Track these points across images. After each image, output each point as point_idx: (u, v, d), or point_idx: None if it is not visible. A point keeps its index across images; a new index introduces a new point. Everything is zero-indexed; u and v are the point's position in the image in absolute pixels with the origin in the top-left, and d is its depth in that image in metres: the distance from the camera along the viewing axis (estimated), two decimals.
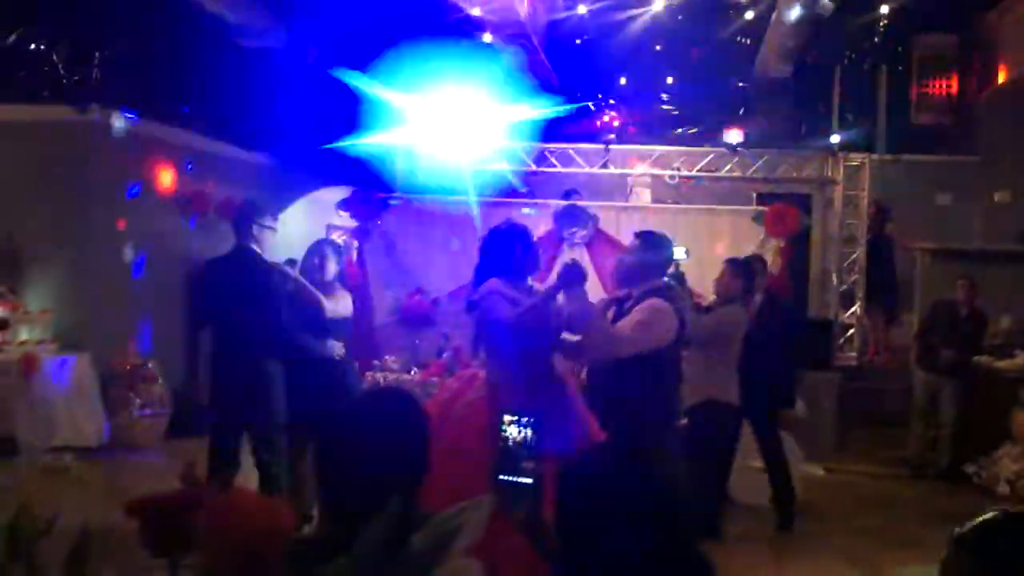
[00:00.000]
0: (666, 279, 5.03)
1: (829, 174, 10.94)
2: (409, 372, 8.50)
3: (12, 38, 9.12)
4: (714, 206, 9.88)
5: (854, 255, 10.67)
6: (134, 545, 1.76)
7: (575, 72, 11.60)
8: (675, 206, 10.08)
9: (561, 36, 11.11)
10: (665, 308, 4.39)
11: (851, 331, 10.59)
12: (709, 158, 10.91)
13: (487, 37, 10.00)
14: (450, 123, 11.08)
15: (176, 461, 8.42)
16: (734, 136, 10.94)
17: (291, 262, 11.33)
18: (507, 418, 2.36)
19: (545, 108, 11.36)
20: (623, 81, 11.86)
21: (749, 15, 10.35)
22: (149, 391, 9.38)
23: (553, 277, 4.49)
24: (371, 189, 9.80)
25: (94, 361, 9.05)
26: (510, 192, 10.85)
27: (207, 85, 10.39)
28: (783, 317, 7.13)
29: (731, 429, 6.70)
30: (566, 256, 8.83)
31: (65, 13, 9.13)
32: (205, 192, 10.63)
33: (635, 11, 10.30)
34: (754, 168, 10.89)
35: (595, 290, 8.31)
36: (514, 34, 9.80)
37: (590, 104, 11.78)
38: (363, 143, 11.59)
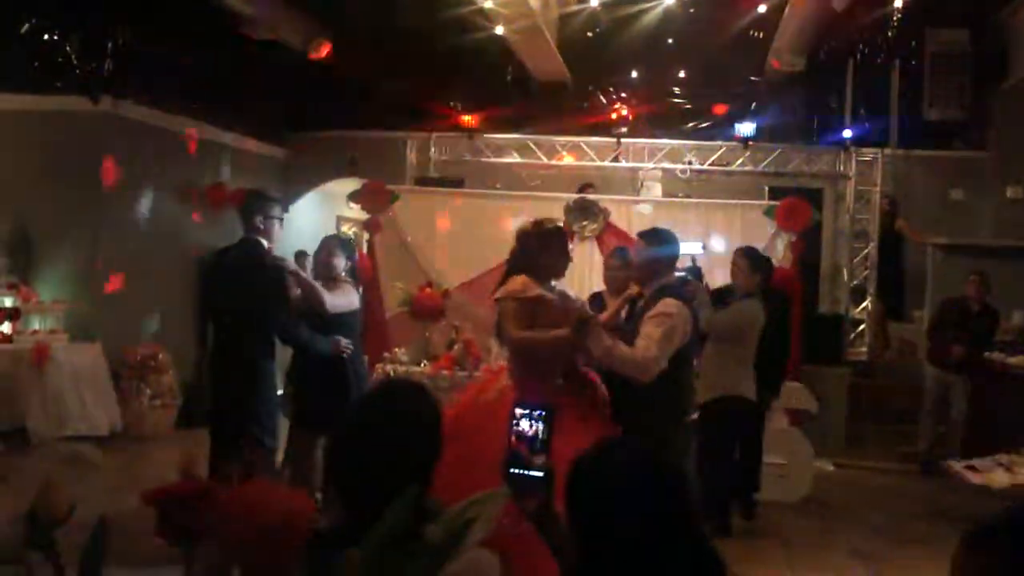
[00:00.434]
0: (683, 273, 5.05)
1: (841, 169, 10.92)
2: (419, 365, 8.49)
3: (25, 28, 9.14)
4: (725, 200, 9.85)
5: (865, 250, 10.65)
6: (149, 533, 1.77)
7: (587, 65, 11.58)
8: (686, 200, 10.05)
9: (573, 29, 11.08)
10: (679, 308, 4.37)
11: (862, 327, 10.57)
12: (720, 152, 10.89)
13: (499, 30, 9.97)
14: (462, 116, 11.13)
15: (186, 450, 8.51)
16: (746, 130, 10.92)
17: (302, 254, 11.39)
18: (518, 411, 2.36)
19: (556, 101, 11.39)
20: (634, 74, 11.82)
21: (762, 8, 10.31)
22: (159, 381, 9.42)
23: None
24: (382, 181, 9.79)
25: (105, 351, 9.10)
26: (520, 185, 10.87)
27: (219, 76, 10.41)
28: (773, 310, 7.09)
29: (748, 423, 6.69)
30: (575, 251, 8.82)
31: (78, 3, 9.14)
32: (217, 183, 10.67)
33: (647, 4, 10.27)
34: (766, 162, 10.87)
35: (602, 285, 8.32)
36: (526, 27, 9.77)
37: (601, 97, 11.75)
38: (374, 134, 11.63)
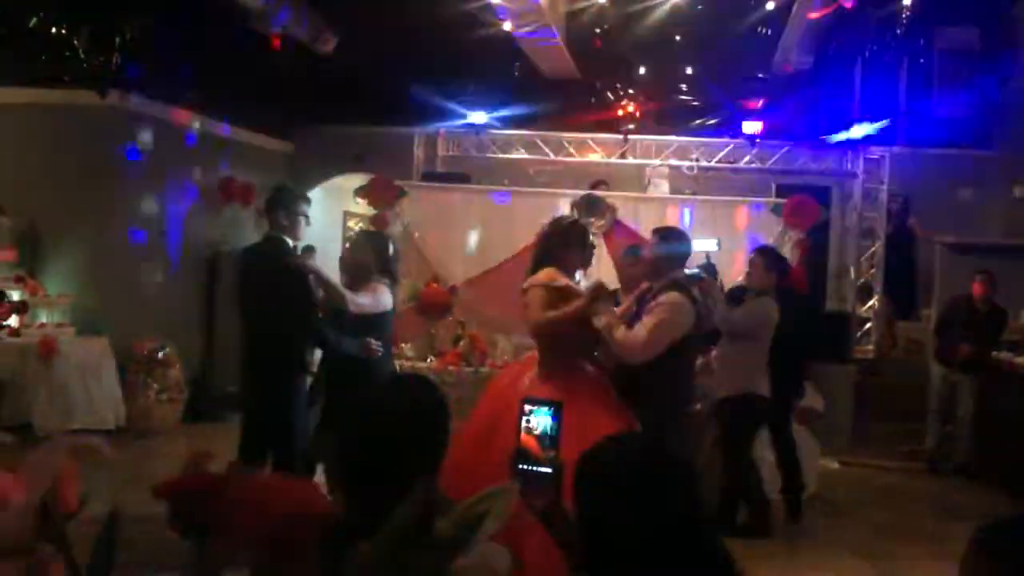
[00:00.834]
0: (697, 270, 5.18)
1: (849, 167, 10.89)
2: (425, 360, 8.52)
3: (34, 22, 9.15)
4: (732, 198, 9.84)
5: (872, 248, 10.62)
6: (159, 527, 1.78)
7: (594, 61, 11.56)
8: (693, 197, 10.04)
9: (581, 25, 11.06)
10: (679, 301, 4.54)
11: (868, 324, 10.55)
12: (728, 149, 10.87)
13: (507, 26, 9.96)
14: (469, 111, 11.12)
15: (193, 445, 8.51)
16: (753, 127, 10.89)
17: (309, 248, 11.39)
18: (527, 407, 2.36)
19: (564, 97, 11.38)
20: (642, 71, 11.80)
21: (770, 6, 10.29)
22: (166, 376, 9.43)
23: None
24: (389, 176, 9.80)
25: (112, 345, 9.11)
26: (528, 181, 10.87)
27: (226, 70, 10.41)
28: (797, 309, 7.11)
29: (764, 421, 6.70)
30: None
31: None
32: (225, 177, 10.67)
33: (655, 1, 10.26)
34: (773, 160, 10.85)
35: (611, 280, 8.32)
36: (533, 23, 9.76)
37: (609, 93, 11.74)
38: (381, 129, 11.64)
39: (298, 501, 1.55)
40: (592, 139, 11.16)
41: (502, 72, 11.54)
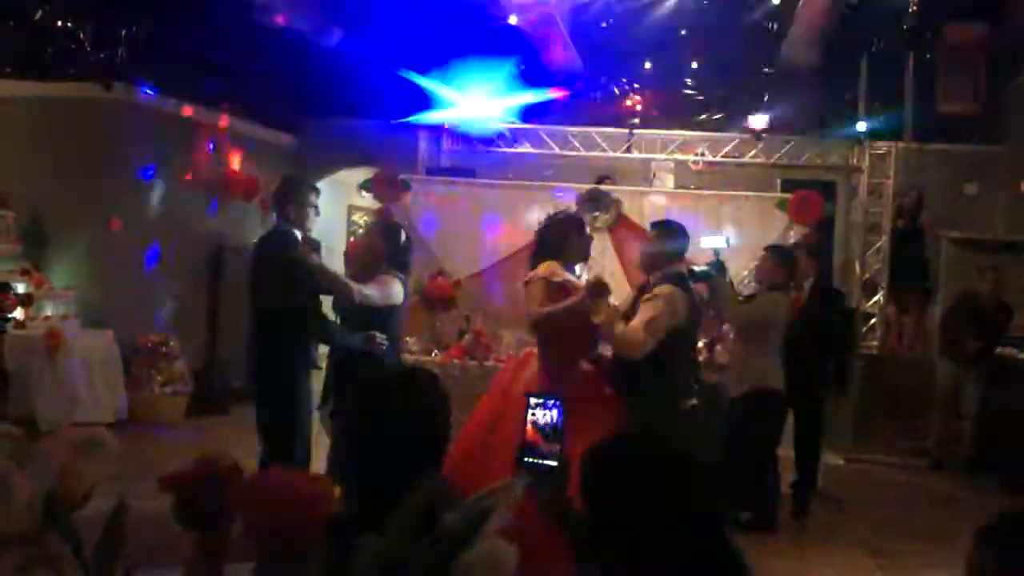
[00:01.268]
0: (707, 267, 5.23)
1: (854, 162, 10.86)
2: (430, 354, 8.51)
3: (39, 14, 9.16)
4: (737, 192, 9.81)
5: (878, 243, 10.60)
6: (163, 519, 1.78)
7: (599, 56, 11.54)
8: (698, 192, 10.02)
9: (586, 19, 11.04)
10: (673, 293, 4.55)
11: (873, 320, 10.53)
12: (733, 144, 10.84)
13: (512, 19, 9.94)
14: (473, 105, 11.10)
15: (198, 438, 8.53)
16: (759, 122, 10.86)
17: (314, 243, 11.35)
18: (532, 401, 2.36)
19: (569, 91, 11.34)
20: (647, 66, 11.78)
21: (776, 0, 10.28)
22: (170, 369, 9.45)
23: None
24: (394, 170, 9.79)
25: (117, 338, 9.12)
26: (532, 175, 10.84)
27: (231, 63, 10.42)
28: (832, 305, 7.14)
29: (776, 416, 6.70)
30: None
31: None
32: (227, 170, 10.67)
33: None
34: (778, 155, 10.81)
35: (618, 275, 8.32)
36: (539, 17, 9.75)
37: (614, 88, 11.72)
38: (387, 124, 11.61)
39: (305, 494, 1.55)
40: (597, 133, 11.14)
41: (507, 66, 11.52)
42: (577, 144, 11.00)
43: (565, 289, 4.51)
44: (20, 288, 8.68)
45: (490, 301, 8.97)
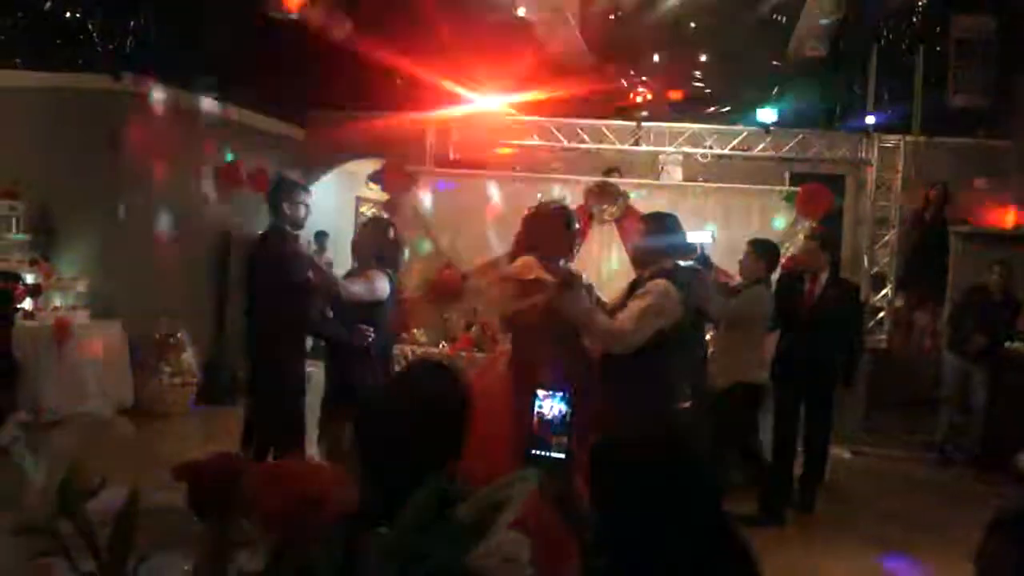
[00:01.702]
0: (691, 263, 5.07)
1: (863, 155, 10.83)
2: (437, 346, 8.53)
3: (48, 5, 9.17)
4: (746, 185, 9.80)
5: (886, 237, 10.57)
6: (173, 509, 1.79)
7: (608, 48, 11.53)
8: (706, 185, 10.00)
9: (595, 12, 11.03)
10: (664, 289, 4.38)
11: (881, 314, 10.51)
12: (742, 137, 10.82)
13: (521, 11, 9.93)
14: (483, 98, 11.10)
15: (206, 428, 8.55)
16: (767, 115, 10.84)
17: (322, 234, 11.37)
18: (541, 393, 2.37)
19: (577, 84, 11.33)
20: (656, 58, 11.75)
21: None
22: (178, 359, 9.47)
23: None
24: (402, 162, 9.80)
25: (125, 329, 9.15)
26: (541, 168, 10.84)
27: (239, 55, 10.42)
28: (847, 297, 7.13)
29: (754, 410, 6.71)
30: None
31: None
32: (233, 162, 10.69)
33: None
34: (787, 148, 10.79)
35: (626, 269, 8.31)
36: (548, 9, 9.74)
37: (623, 81, 11.70)
38: (394, 115, 11.61)
39: (318, 485, 1.56)
40: (605, 126, 11.12)
41: (516, 58, 11.51)
42: (585, 137, 10.98)
43: (535, 286, 4.39)
44: (29, 278, 8.70)
45: (490, 290, 8.99)
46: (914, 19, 11.14)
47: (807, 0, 10.01)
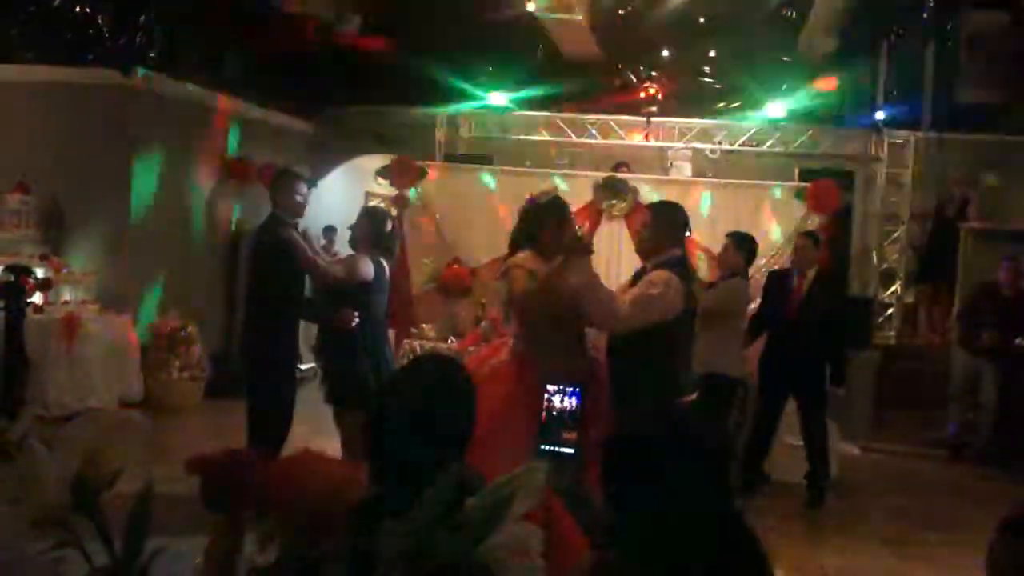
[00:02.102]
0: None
1: (873, 151, 10.81)
2: (446, 341, 8.53)
3: (57, 1, 9.19)
4: (755, 181, 9.78)
5: (896, 233, 10.56)
6: (184, 503, 1.80)
7: (618, 43, 11.51)
8: (715, 180, 9.99)
9: (605, 7, 11.01)
10: (668, 280, 4.34)
11: (890, 310, 10.50)
12: (751, 132, 10.82)
13: (531, 6, 9.92)
14: (493, 93, 11.10)
15: (215, 422, 8.57)
16: (777, 111, 10.83)
17: (330, 228, 11.37)
18: (551, 388, 2.37)
19: (586, 80, 11.32)
20: (666, 53, 11.73)
21: None
22: (188, 353, 9.49)
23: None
24: (411, 157, 9.80)
25: (134, 322, 9.17)
26: (550, 163, 10.84)
27: (249, 50, 10.44)
28: (834, 295, 7.12)
29: (727, 403, 6.66)
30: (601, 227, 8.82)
31: None
32: (242, 156, 10.71)
33: None
34: (796, 143, 10.78)
35: (636, 264, 8.29)
36: (558, 4, 9.73)
37: (632, 76, 11.68)
38: (403, 110, 11.63)
39: (332, 478, 1.56)
40: (615, 121, 11.12)
41: (525, 53, 11.51)
42: (594, 132, 10.99)
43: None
44: (39, 273, 8.72)
45: (493, 286, 8.99)
46: (925, 14, 11.10)
47: None
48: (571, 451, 2.29)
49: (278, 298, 5.67)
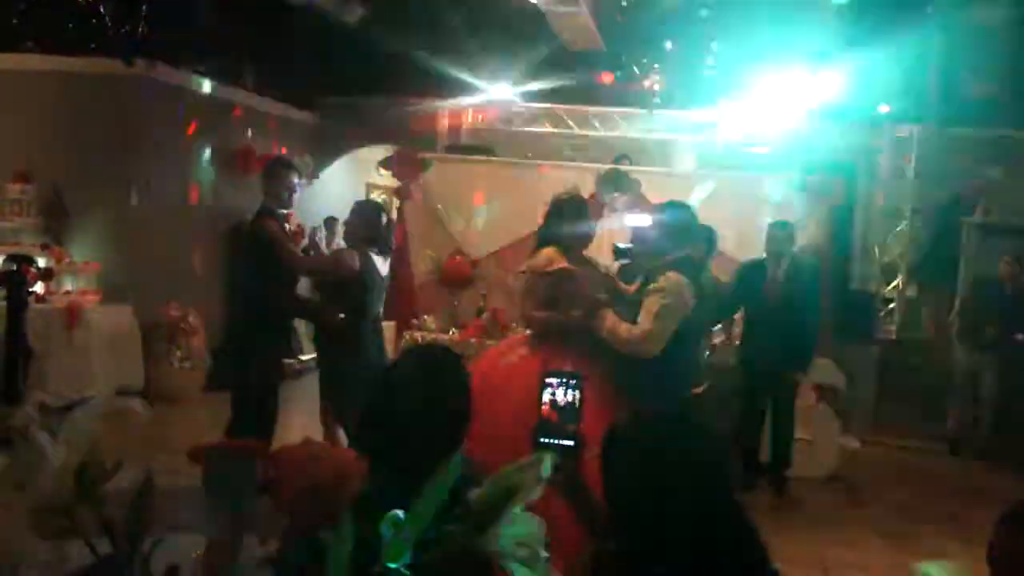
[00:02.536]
0: (624, 247, 4.99)
1: (875, 144, 10.79)
2: (447, 332, 8.53)
3: None
4: (757, 173, 9.76)
5: (898, 227, 10.54)
6: (185, 492, 1.81)
7: (621, 35, 11.48)
8: (718, 173, 9.96)
9: None
10: (676, 280, 4.33)
11: (892, 304, 10.48)
12: (753, 126, 10.79)
13: None
14: (495, 85, 11.08)
15: (216, 413, 8.58)
16: (780, 103, 10.79)
17: (332, 220, 11.36)
18: (550, 380, 2.37)
19: (589, 71, 11.30)
20: (668, 45, 11.70)
21: None
22: (189, 344, 9.50)
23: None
24: (413, 148, 9.80)
25: (136, 313, 9.18)
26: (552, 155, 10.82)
27: (251, 40, 10.42)
28: (807, 279, 7.05)
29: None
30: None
31: None
32: (244, 147, 10.70)
33: None
34: (799, 137, 10.75)
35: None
36: None
37: (635, 68, 11.66)
38: (407, 102, 11.61)
39: (334, 468, 1.57)
40: (617, 113, 11.09)
41: (528, 45, 11.48)
42: (596, 124, 10.97)
43: (563, 277, 4.40)
44: (41, 262, 8.71)
45: (508, 280, 8.97)
46: (929, 7, 11.06)
47: None
48: (571, 444, 2.28)
49: (261, 289, 5.67)
